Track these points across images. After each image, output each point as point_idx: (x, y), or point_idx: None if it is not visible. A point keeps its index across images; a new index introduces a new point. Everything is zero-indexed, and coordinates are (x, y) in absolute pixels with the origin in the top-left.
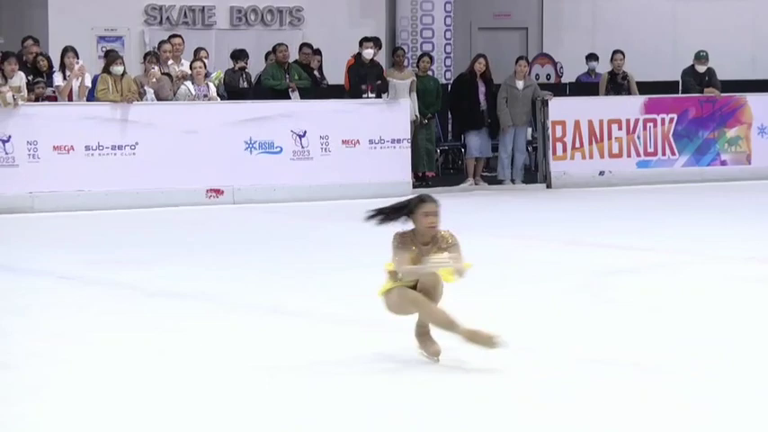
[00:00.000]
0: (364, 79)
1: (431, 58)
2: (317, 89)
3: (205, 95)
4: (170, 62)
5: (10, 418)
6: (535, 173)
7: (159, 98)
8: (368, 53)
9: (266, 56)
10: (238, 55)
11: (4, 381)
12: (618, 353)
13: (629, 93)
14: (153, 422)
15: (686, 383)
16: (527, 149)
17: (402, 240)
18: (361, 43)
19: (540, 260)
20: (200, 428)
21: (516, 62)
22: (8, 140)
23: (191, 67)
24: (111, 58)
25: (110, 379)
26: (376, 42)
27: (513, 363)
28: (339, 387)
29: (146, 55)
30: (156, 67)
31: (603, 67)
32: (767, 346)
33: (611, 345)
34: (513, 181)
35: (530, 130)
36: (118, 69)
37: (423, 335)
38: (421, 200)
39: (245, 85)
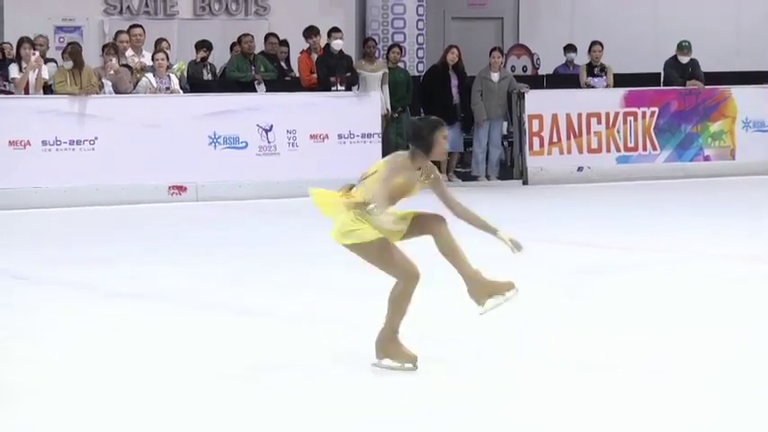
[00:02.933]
0: (333, 71)
1: (401, 49)
2: (283, 81)
3: (167, 88)
4: (130, 53)
5: None
6: (511, 168)
7: (118, 91)
8: (337, 44)
9: (231, 47)
10: (201, 45)
11: None
12: (598, 352)
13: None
14: (111, 427)
15: (670, 383)
16: (502, 144)
17: (402, 164)
18: (329, 33)
19: (516, 259)
20: None
21: (491, 53)
22: None
23: (152, 59)
24: (70, 50)
25: (64, 384)
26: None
27: (491, 361)
28: (312, 389)
29: (104, 46)
30: (115, 59)
31: (582, 59)
32: (751, 344)
33: (590, 344)
34: (487, 177)
35: (505, 124)
36: (68, 64)
37: (392, 341)
38: (440, 122)
39: (209, 77)
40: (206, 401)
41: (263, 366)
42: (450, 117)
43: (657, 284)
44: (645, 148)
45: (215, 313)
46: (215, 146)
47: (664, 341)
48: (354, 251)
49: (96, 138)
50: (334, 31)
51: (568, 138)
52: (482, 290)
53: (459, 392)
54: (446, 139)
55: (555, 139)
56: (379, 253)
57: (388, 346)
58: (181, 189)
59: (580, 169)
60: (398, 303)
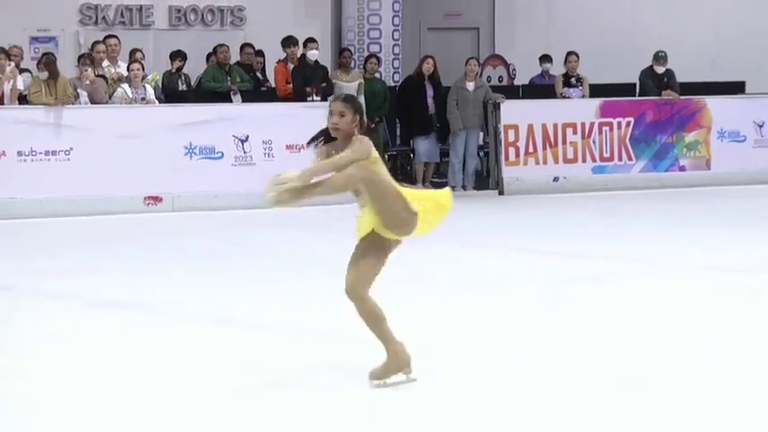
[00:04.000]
0: (309, 81)
1: (378, 59)
2: (259, 92)
3: (143, 98)
4: (105, 64)
5: None
6: (487, 179)
7: (94, 101)
8: (312, 54)
9: (207, 57)
10: (176, 56)
11: None
12: (576, 362)
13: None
14: None
15: (654, 391)
16: (478, 154)
17: (325, 149)
18: (305, 44)
19: (493, 269)
20: None
21: (467, 62)
22: None
23: (128, 69)
24: (45, 61)
25: (41, 396)
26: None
27: (473, 371)
28: (293, 400)
29: (80, 57)
30: (90, 70)
31: (558, 69)
32: (727, 353)
33: (568, 355)
34: (464, 187)
35: (481, 134)
36: (43, 75)
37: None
38: (332, 99)
39: (184, 87)
40: (191, 412)
41: (249, 376)
42: (426, 127)
43: (636, 294)
44: (620, 159)
45: (196, 324)
46: (191, 156)
47: (644, 350)
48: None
49: (72, 148)
50: (309, 41)
51: (544, 148)
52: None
53: (439, 401)
54: (332, 115)
55: (531, 150)
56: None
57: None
58: (156, 199)
59: (556, 179)
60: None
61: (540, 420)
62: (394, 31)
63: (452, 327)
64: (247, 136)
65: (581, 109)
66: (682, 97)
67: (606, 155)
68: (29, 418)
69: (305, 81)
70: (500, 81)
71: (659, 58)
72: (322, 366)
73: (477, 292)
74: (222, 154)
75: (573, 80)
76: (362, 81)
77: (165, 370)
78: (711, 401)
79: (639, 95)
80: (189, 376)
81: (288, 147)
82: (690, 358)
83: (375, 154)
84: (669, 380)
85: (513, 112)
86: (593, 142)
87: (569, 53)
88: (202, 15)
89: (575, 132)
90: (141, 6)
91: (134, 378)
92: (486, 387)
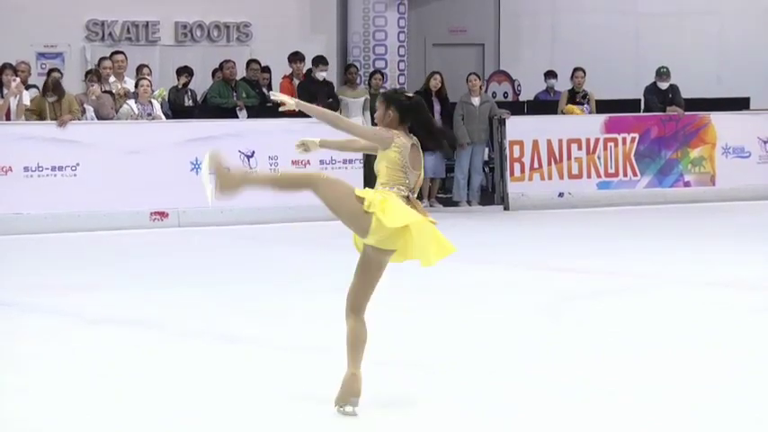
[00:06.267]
0: (315, 97)
1: (383, 75)
2: (265, 107)
3: (149, 114)
4: (112, 79)
5: None
6: (492, 194)
7: (100, 117)
8: (320, 75)
9: (213, 73)
10: (183, 72)
11: None
12: (581, 376)
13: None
14: None
15: (658, 406)
16: (484, 170)
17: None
18: (316, 64)
19: (498, 284)
20: None
21: (468, 78)
22: None
23: (136, 86)
24: (52, 85)
25: (42, 412)
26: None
27: (476, 387)
28: (298, 416)
29: (87, 73)
30: (97, 85)
31: (563, 85)
32: (731, 369)
33: (573, 368)
34: (469, 203)
35: (487, 149)
36: (51, 98)
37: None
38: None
39: (190, 103)
40: (192, 426)
41: (251, 392)
42: None
43: (641, 309)
44: (625, 174)
45: (201, 340)
46: (197, 172)
47: (648, 365)
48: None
49: (78, 164)
50: (320, 62)
51: (549, 163)
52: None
53: (441, 416)
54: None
55: (536, 165)
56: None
57: None
58: (162, 215)
59: (561, 195)
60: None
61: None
62: (399, 47)
63: (456, 341)
64: (253, 152)
65: (586, 125)
66: (686, 113)
67: (611, 170)
68: (30, 418)
69: (311, 97)
70: (505, 97)
71: (661, 73)
72: (324, 383)
73: (480, 308)
74: (228, 169)
75: (579, 96)
76: (368, 97)
77: (169, 386)
78: (710, 416)
79: (644, 111)
80: (192, 391)
81: (293, 162)
82: (690, 373)
83: (395, 152)
84: (676, 393)
85: (519, 128)
86: (599, 158)
87: (576, 69)
88: (208, 31)
89: (580, 148)
90: (148, 23)
91: (138, 394)
92: (489, 400)
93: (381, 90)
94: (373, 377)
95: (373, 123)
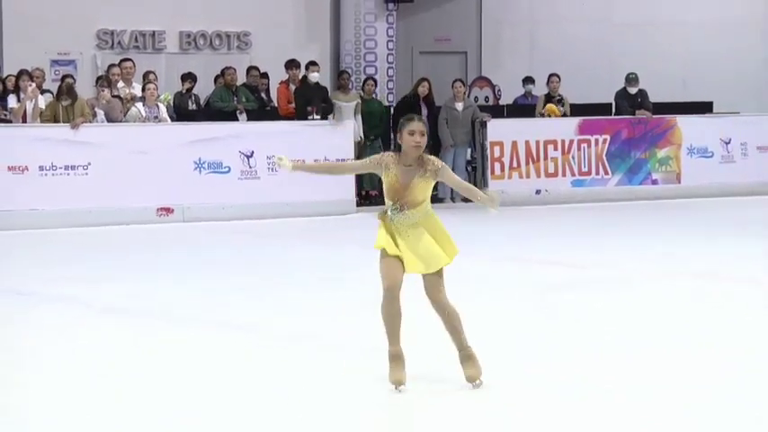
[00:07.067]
0: (310, 101)
1: (375, 81)
2: (264, 111)
3: (155, 117)
4: (121, 85)
5: None
6: None
7: (110, 120)
8: (314, 76)
9: (215, 79)
10: (187, 77)
11: None
12: (558, 367)
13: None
14: None
15: (635, 394)
16: (466, 169)
17: (380, 158)
18: (307, 66)
19: (481, 276)
20: None
21: (453, 84)
22: None
23: (143, 90)
24: (66, 89)
25: (49, 410)
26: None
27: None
28: (298, 416)
29: (98, 78)
30: (107, 90)
31: (540, 90)
32: (705, 359)
33: (556, 356)
34: (452, 199)
35: (469, 150)
36: (66, 101)
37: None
38: (408, 119)
39: (194, 107)
40: (194, 413)
41: (257, 382)
42: None
43: (625, 302)
44: (598, 173)
45: (205, 328)
46: (200, 171)
47: (623, 353)
48: None
49: (89, 163)
50: (311, 64)
51: (527, 163)
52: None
53: (430, 408)
54: (413, 134)
55: (515, 165)
56: (379, 261)
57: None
58: (168, 211)
59: (538, 192)
60: (382, 317)
61: (527, 424)
62: (388, 54)
63: (438, 334)
64: (252, 152)
65: (561, 127)
66: (654, 116)
67: (584, 169)
68: (42, 421)
69: (306, 101)
70: (486, 101)
71: (631, 79)
72: (325, 373)
73: (462, 299)
74: (229, 168)
75: (555, 100)
76: (360, 101)
77: (168, 386)
78: (686, 403)
79: (615, 114)
80: (192, 391)
81: (291, 161)
82: (666, 360)
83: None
84: (652, 382)
85: (499, 130)
86: (573, 158)
87: (551, 75)
88: (211, 40)
89: (555, 149)
90: (154, 32)
91: (138, 394)
92: (471, 393)
93: (373, 95)
94: (378, 368)
95: (367, 130)
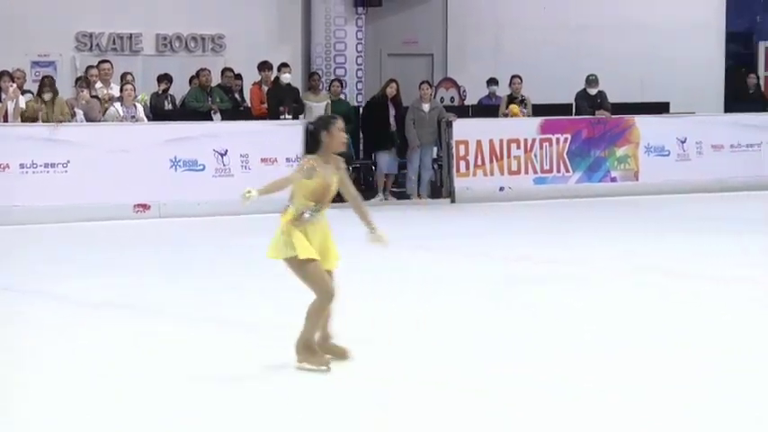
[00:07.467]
0: (282, 102)
1: (341, 82)
2: (237, 111)
3: (133, 117)
4: (99, 85)
5: None
6: (440, 188)
7: (89, 119)
8: (285, 77)
9: (190, 80)
10: (163, 78)
11: None
12: (515, 361)
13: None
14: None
15: (620, 399)
16: (433, 167)
17: (308, 164)
18: (279, 68)
19: (445, 270)
20: None
21: (420, 86)
22: None
23: (121, 91)
24: (48, 83)
25: (48, 410)
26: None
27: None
28: (299, 404)
29: (77, 79)
30: (86, 91)
31: (503, 91)
32: (684, 358)
33: (514, 349)
34: (419, 196)
35: (435, 149)
36: (47, 95)
37: (307, 349)
38: (333, 117)
39: (170, 107)
40: (197, 412)
41: (257, 382)
42: (388, 143)
43: (590, 297)
44: (559, 171)
45: (182, 320)
46: (176, 168)
47: (606, 353)
48: (287, 265)
49: (69, 161)
50: (283, 66)
51: (491, 161)
52: (307, 352)
53: (388, 402)
54: (341, 131)
55: (479, 162)
56: (302, 268)
57: (305, 352)
58: (145, 207)
59: (502, 189)
60: (312, 318)
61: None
62: (357, 56)
63: (402, 326)
64: (226, 150)
65: (524, 126)
66: (613, 116)
67: (546, 167)
68: (42, 421)
69: (278, 101)
70: (452, 101)
71: (590, 81)
72: (325, 373)
73: (427, 292)
74: (204, 166)
75: (517, 101)
76: (329, 101)
77: (172, 373)
78: (686, 402)
79: (575, 115)
80: (193, 378)
81: (263, 160)
82: (646, 359)
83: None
84: (616, 379)
85: (464, 130)
86: (535, 156)
87: (513, 76)
88: (186, 42)
89: (518, 147)
90: (131, 35)
91: (138, 394)
92: (469, 393)
93: (341, 96)
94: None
95: None
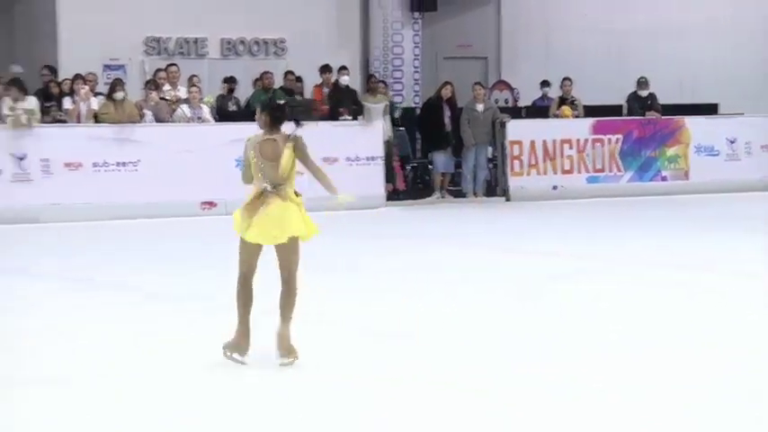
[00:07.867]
0: (341, 103)
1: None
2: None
3: (199, 117)
4: (167, 88)
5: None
6: (495, 187)
7: (158, 120)
8: (345, 80)
9: (254, 82)
10: (228, 81)
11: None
12: (572, 365)
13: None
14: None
15: (636, 398)
16: (488, 166)
17: (249, 141)
18: (339, 71)
19: (492, 266)
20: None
21: (473, 87)
22: (24, 158)
23: (188, 92)
24: (113, 85)
25: (61, 393)
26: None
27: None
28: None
29: (146, 82)
30: (155, 93)
31: (555, 92)
32: (707, 358)
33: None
34: (475, 194)
35: (490, 148)
36: (119, 95)
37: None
38: (263, 106)
39: (234, 108)
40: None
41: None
42: (444, 143)
43: (607, 290)
44: (611, 170)
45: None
46: (241, 167)
47: (628, 352)
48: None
49: (139, 160)
50: (342, 68)
51: (544, 161)
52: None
53: (425, 394)
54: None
55: (533, 162)
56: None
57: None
58: (211, 204)
59: (555, 188)
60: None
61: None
62: (414, 59)
63: (437, 334)
64: None
65: (576, 127)
66: (663, 117)
67: (599, 167)
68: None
69: (338, 103)
70: (506, 103)
71: (641, 83)
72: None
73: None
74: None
75: (568, 102)
76: (388, 103)
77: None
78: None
79: (627, 115)
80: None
81: (324, 159)
82: (669, 359)
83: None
84: (648, 380)
85: (518, 130)
86: (587, 156)
87: (564, 78)
88: (250, 47)
89: (571, 147)
90: (197, 39)
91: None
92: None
93: (398, 97)
94: (363, 370)
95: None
